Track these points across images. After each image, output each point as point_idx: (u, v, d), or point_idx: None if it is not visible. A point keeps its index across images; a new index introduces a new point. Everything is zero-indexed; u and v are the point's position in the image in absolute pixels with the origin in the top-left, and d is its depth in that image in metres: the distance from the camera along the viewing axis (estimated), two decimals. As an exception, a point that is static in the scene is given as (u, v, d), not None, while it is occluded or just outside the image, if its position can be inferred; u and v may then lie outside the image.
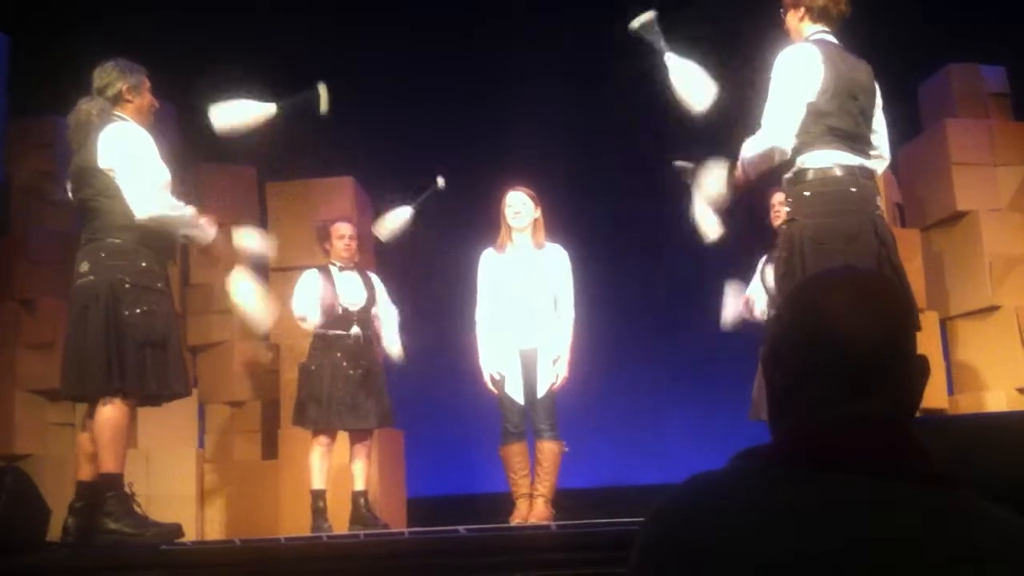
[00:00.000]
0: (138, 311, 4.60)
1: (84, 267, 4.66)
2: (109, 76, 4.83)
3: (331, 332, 5.97)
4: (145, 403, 4.89)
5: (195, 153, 7.20)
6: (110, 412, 4.56)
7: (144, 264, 4.68)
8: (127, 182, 4.63)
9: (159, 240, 4.78)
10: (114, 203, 4.65)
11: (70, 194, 4.86)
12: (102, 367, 4.51)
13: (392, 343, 6.24)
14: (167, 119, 6.78)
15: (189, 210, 4.81)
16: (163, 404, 5.04)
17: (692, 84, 4.54)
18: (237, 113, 5.13)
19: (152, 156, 4.73)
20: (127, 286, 4.60)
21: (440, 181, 6.04)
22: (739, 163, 4.35)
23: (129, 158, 4.65)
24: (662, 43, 4.60)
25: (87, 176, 4.70)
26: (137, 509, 4.65)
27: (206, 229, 4.90)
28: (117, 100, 4.83)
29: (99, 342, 4.52)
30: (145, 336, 4.60)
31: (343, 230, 6.17)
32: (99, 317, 4.54)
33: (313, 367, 5.95)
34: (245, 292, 5.19)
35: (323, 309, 5.89)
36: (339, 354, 5.94)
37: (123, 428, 4.62)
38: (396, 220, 6.05)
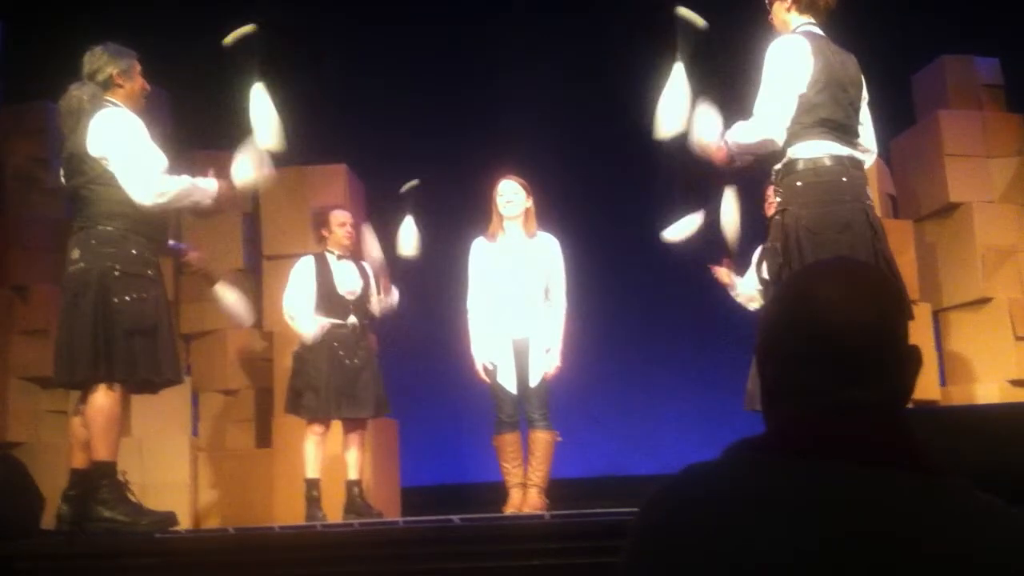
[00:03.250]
0: (128, 298, 4.59)
1: (75, 254, 4.65)
2: (99, 61, 4.81)
3: (327, 321, 5.95)
4: (140, 390, 4.88)
5: (188, 139, 7.18)
6: (102, 400, 4.55)
7: (134, 251, 4.67)
8: (124, 170, 4.62)
9: (150, 227, 4.76)
10: (106, 191, 4.63)
11: (63, 180, 4.85)
12: (90, 355, 4.50)
13: (385, 299, 6.23)
14: (160, 104, 6.77)
15: (186, 179, 4.79)
16: (158, 392, 5.03)
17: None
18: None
19: (145, 140, 4.71)
20: (117, 273, 4.59)
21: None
22: (724, 141, 4.38)
23: (123, 145, 4.63)
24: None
25: (78, 163, 4.67)
26: (131, 497, 4.66)
27: (208, 186, 4.88)
28: (108, 85, 4.80)
29: (87, 330, 4.51)
30: (134, 323, 4.59)
31: (343, 217, 6.13)
32: (88, 305, 4.53)
33: (309, 356, 5.92)
34: (231, 300, 5.20)
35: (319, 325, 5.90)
36: (336, 343, 5.91)
37: (116, 416, 4.61)
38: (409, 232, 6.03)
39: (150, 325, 4.65)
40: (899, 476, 1.25)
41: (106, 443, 4.56)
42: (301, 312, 5.95)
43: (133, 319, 4.59)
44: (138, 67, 4.90)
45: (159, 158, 4.71)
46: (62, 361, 4.65)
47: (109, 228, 4.63)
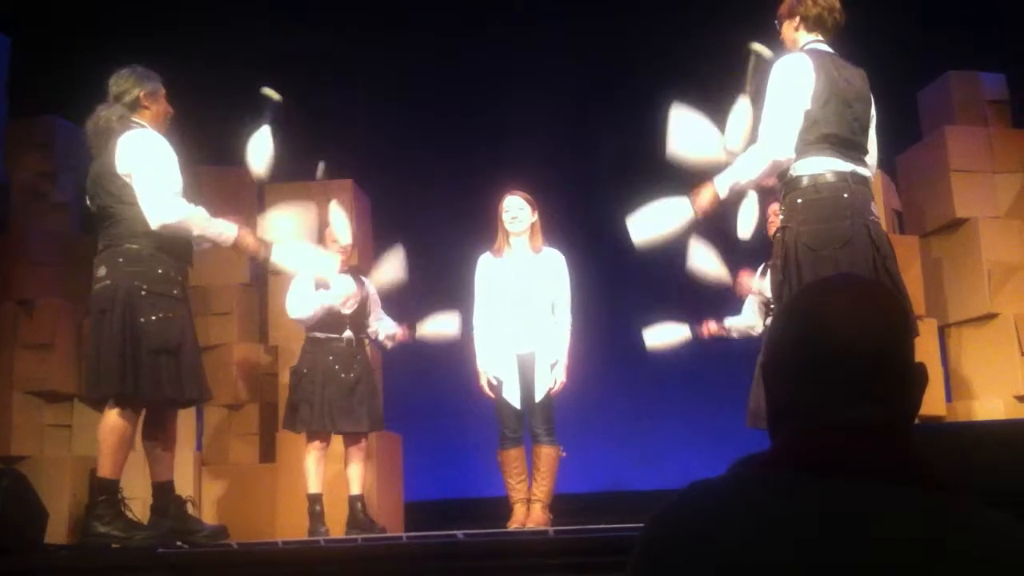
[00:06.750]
0: (154, 318, 4.63)
1: (101, 272, 4.70)
2: (126, 83, 4.86)
3: (323, 335, 5.93)
4: (164, 407, 4.87)
5: (193, 155, 7.19)
6: (116, 420, 4.62)
7: (160, 271, 4.70)
8: (143, 190, 4.65)
9: (177, 246, 4.79)
10: (133, 209, 4.67)
11: (88, 200, 4.88)
12: (117, 371, 4.55)
13: (389, 327, 6.21)
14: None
15: (202, 211, 4.79)
16: (180, 409, 5.10)
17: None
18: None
19: (170, 163, 4.74)
20: (143, 293, 4.63)
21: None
22: (719, 182, 4.32)
23: (147, 165, 4.67)
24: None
25: (105, 182, 4.72)
26: (128, 514, 4.71)
27: (225, 228, 4.85)
28: (135, 106, 4.86)
29: (114, 347, 4.56)
30: (160, 343, 4.63)
31: (336, 236, 6.11)
32: (115, 322, 4.58)
33: (305, 370, 5.89)
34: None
35: (321, 291, 5.85)
36: (331, 357, 5.88)
37: (127, 438, 4.68)
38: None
39: (175, 345, 4.70)
40: (905, 493, 1.24)
41: (111, 461, 4.64)
42: (308, 303, 5.89)
43: (158, 338, 4.63)
44: (163, 90, 4.96)
45: (176, 180, 4.72)
46: (90, 376, 4.72)
47: (135, 247, 4.68)
